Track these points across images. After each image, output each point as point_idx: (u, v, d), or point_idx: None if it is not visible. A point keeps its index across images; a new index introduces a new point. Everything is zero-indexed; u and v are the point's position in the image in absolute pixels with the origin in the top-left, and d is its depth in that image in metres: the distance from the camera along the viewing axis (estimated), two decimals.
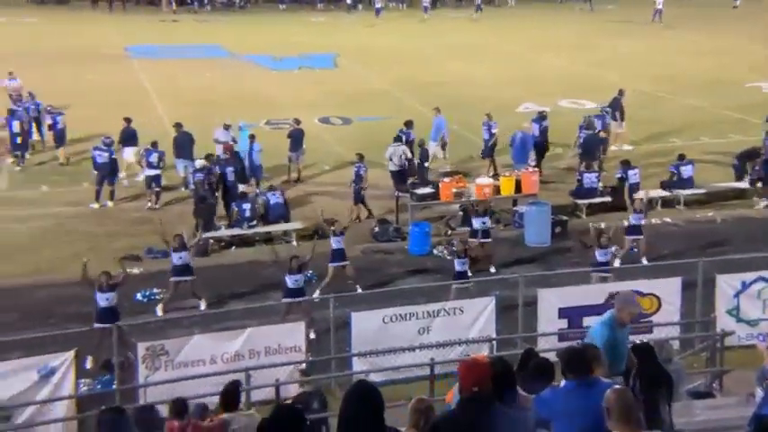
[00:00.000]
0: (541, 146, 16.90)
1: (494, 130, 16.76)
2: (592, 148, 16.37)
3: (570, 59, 28.73)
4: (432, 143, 16.84)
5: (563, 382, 5.11)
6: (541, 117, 17.46)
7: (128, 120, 16.85)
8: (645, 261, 12.75)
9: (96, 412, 5.64)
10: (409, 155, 15.44)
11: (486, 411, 4.19)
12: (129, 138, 16.60)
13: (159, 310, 11.38)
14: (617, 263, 12.54)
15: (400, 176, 15.19)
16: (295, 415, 3.68)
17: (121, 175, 16.21)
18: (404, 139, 15.90)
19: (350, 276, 12.04)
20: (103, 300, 10.03)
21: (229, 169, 14.54)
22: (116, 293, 10.15)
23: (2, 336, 10.16)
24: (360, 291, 11.72)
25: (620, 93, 18.67)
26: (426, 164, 15.67)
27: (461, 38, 33.59)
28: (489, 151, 16.78)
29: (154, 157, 15.11)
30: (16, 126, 17.04)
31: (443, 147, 17.27)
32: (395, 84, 24.93)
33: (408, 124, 16.50)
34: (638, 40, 32.03)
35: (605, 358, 5.43)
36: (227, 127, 16.26)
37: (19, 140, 17.12)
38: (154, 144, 15.45)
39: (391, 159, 15.34)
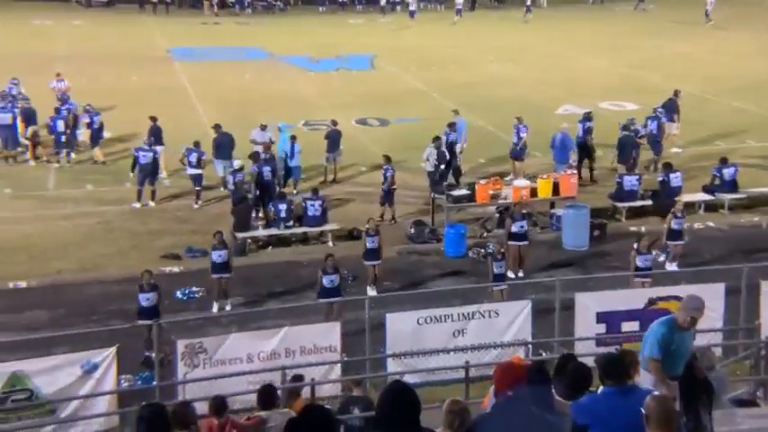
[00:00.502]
0: (584, 146, 16.66)
1: (522, 134, 16.49)
2: (625, 150, 16.05)
3: (611, 61, 28.29)
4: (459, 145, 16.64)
5: (600, 388, 5.06)
6: (586, 118, 17.25)
7: (153, 118, 17.27)
8: (675, 267, 12.48)
9: (137, 408, 5.78)
10: (432, 157, 15.40)
11: (521, 415, 4.17)
12: (155, 136, 17.00)
13: (215, 307, 11.61)
14: (674, 267, 12.31)
15: (430, 177, 15.24)
16: (325, 415, 3.69)
17: (163, 174, 16.61)
18: (444, 140, 15.89)
19: (377, 276, 12.07)
20: (145, 300, 10.27)
21: (266, 169, 14.72)
22: (157, 293, 10.36)
23: (48, 331, 10.50)
24: (374, 293, 11.75)
25: (676, 93, 18.33)
26: (442, 166, 15.53)
27: (500, 39, 33.34)
28: (518, 154, 16.55)
29: (194, 157, 15.39)
30: (61, 125, 17.57)
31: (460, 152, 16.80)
32: (432, 85, 24.89)
33: (452, 126, 16.44)
34: (683, 41, 31.35)
35: (656, 357, 5.35)
36: (263, 127, 16.46)
37: (63, 139, 17.65)
38: (196, 144, 15.74)
39: (428, 160, 15.35)
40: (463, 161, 16.78)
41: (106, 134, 18.94)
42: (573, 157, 16.32)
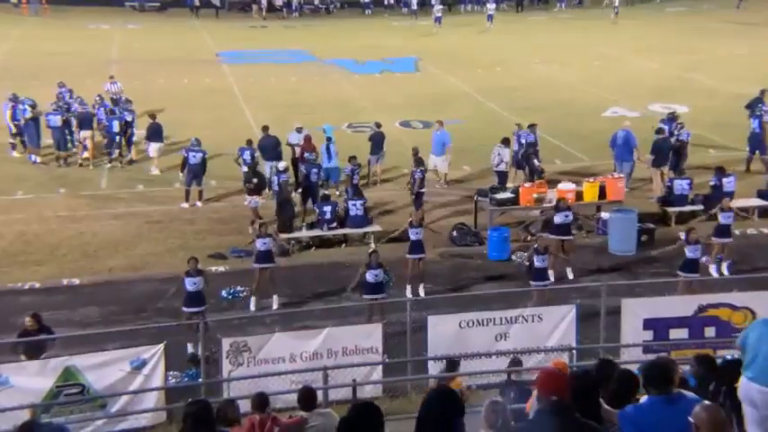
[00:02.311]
0: (676, 148, 16.34)
1: (522, 140, 16.09)
2: (661, 153, 15.65)
3: (664, 62, 27.65)
4: (433, 156, 16.35)
5: (644, 398, 4.96)
6: (671, 118, 16.94)
7: (152, 116, 17.74)
8: (727, 272, 12.12)
9: (183, 404, 5.91)
10: (506, 157, 15.41)
11: (564, 422, 4.13)
12: (154, 133, 17.47)
13: (253, 305, 11.77)
14: (725, 270, 12.00)
15: (501, 177, 15.27)
16: (375, 412, 3.81)
17: (153, 170, 17.18)
18: (524, 141, 15.97)
19: (420, 273, 12.06)
20: (191, 284, 10.55)
21: (314, 170, 14.89)
22: (203, 279, 10.61)
23: (99, 327, 10.84)
24: (423, 292, 11.71)
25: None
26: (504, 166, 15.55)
27: (549, 40, 32.94)
28: (522, 162, 16.18)
29: (248, 155, 15.66)
30: (116, 126, 18.13)
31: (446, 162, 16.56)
32: (477, 87, 24.76)
33: (531, 127, 16.36)
34: (740, 42, 30.40)
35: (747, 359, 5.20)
36: (299, 130, 16.64)
37: (117, 139, 18.19)
38: (248, 142, 16.01)
39: (502, 161, 15.45)
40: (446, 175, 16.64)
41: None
42: (636, 155, 15.93)
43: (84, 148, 18.13)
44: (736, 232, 13.22)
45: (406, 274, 12.07)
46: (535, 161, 15.92)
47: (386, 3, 42.72)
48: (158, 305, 11.72)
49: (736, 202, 14.23)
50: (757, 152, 16.78)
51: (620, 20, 37.72)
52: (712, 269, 12.21)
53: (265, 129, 16.67)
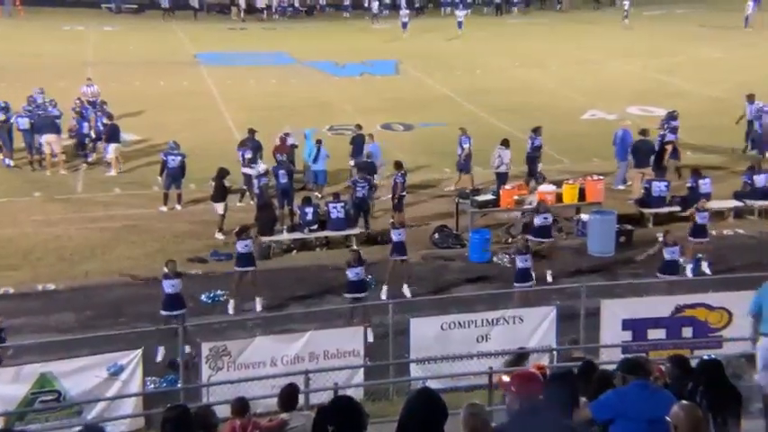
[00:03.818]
0: (658, 149, 16.49)
1: (465, 145, 16.14)
2: (640, 154, 15.81)
3: (642, 66, 27.97)
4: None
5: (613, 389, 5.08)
6: (671, 117, 17.10)
7: (111, 117, 17.73)
8: (708, 271, 12.27)
9: (162, 410, 5.83)
10: (506, 159, 15.49)
11: (541, 423, 4.16)
12: (112, 135, 17.45)
13: (231, 309, 11.66)
14: (688, 273, 12.15)
15: (502, 179, 15.34)
16: (353, 405, 3.87)
17: (112, 172, 17.15)
18: (531, 144, 16.08)
19: (405, 273, 12.05)
20: (170, 287, 10.43)
21: (281, 172, 14.77)
22: (181, 281, 10.50)
23: (75, 333, 10.67)
24: (408, 293, 11.70)
25: None
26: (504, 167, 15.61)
27: (528, 43, 33.19)
28: (463, 165, 16.24)
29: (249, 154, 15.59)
30: (86, 128, 18.00)
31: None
32: (457, 90, 24.85)
33: (536, 130, 16.36)
34: (717, 46, 30.87)
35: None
36: (287, 135, 16.58)
37: (87, 141, 18.10)
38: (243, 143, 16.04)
39: (503, 163, 15.49)
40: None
41: (134, 137, 19.22)
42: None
43: (41, 152, 17.81)
44: (713, 233, 13.40)
45: (386, 276, 12.02)
46: (539, 165, 16.03)
47: (366, 5, 42.72)
48: (137, 309, 11.58)
49: (713, 204, 14.44)
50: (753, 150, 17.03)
51: (600, 24, 38.11)
52: (688, 269, 12.34)
53: (251, 131, 16.57)
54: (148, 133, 20.02)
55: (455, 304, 10.86)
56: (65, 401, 8.86)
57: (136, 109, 21.73)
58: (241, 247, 11.70)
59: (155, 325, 10.46)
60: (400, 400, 6.55)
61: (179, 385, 9.40)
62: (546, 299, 10.90)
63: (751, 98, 17.81)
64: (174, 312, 10.43)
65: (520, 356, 8.38)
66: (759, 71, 26.02)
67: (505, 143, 15.77)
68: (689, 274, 12.32)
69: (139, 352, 9.13)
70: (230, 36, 36.51)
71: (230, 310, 11.65)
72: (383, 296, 11.71)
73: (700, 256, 12.63)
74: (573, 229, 14.39)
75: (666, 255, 11.35)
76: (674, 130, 16.74)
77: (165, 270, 10.55)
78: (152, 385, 9.63)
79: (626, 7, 37.67)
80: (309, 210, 13.92)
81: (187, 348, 9.59)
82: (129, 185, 17.08)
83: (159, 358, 10.12)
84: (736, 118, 18.24)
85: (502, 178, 15.41)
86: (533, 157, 16.22)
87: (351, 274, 10.91)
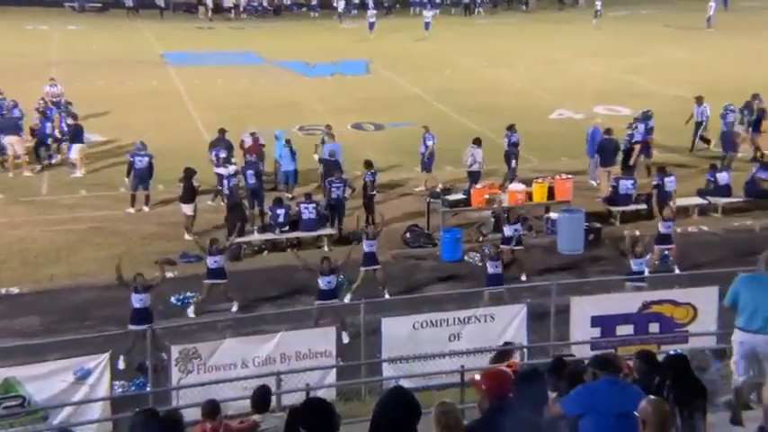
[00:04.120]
0: (646, 144, 16.80)
1: (428, 143, 16.23)
2: (606, 153, 16.06)
3: (608, 66, 28.39)
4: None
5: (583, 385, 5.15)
6: (646, 116, 17.33)
7: (75, 117, 17.53)
8: (677, 270, 12.52)
9: (130, 414, 5.74)
10: (479, 157, 15.59)
11: (513, 420, 4.19)
12: (76, 135, 17.22)
13: (191, 312, 11.54)
14: (647, 271, 12.34)
15: (474, 177, 15.39)
16: (325, 406, 3.92)
17: (77, 173, 16.96)
18: (507, 141, 16.26)
19: (380, 281, 12.07)
20: (138, 301, 10.23)
21: (249, 172, 14.65)
22: (150, 295, 10.33)
23: (41, 337, 10.44)
24: (387, 296, 11.74)
25: (754, 97, 18.46)
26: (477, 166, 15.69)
27: (497, 44, 33.44)
28: (426, 165, 16.34)
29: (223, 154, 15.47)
30: (49, 128, 17.69)
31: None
32: (427, 90, 24.94)
33: (511, 128, 16.53)
34: (681, 47, 31.47)
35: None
36: (253, 134, 16.49)
37: (49, 141, 17.79)
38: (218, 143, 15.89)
39: (476, 161, 15.56)
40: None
41: (99, 138, 18.90)
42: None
43: (3, 154, 17.48)
44: (678, 230, 13.65)
45: (359, 285, 11.95)
46: (513, 162, 16.16)
47: (333, 4, 42.60)
48: (103, 313, 11.38)
49: (677, 201, 14.72)
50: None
51: (567, 25, 38.56)
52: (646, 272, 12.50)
53: (221, 131, 16.39)
54: (115, 134, 19.69)
55: (427, 303, 10.88)
56: (29, 407, 8.68)
57: (101, 109, 21.37)
58: (211, 262, 11.57)
59: (122, 328, 10.29)
60: (373, 400, 6.52)
61: (148, 389, 9.26)
62: (517, 297, 10.99)
63: (699, 100, 18.19)
64: (142, 327, 10.17)
65: (503, 353, 8.39)
66: (722, 71, 26.66)
67: (477, 142, 15.88)
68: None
69: (107, 355, 8.98)
70: (198, 35, 36.13)
71: (190, 314, 11.50)
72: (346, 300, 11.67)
73: (666, 254, 12.84)
74: (543, 228, 14.54)
75: (634, 266, 11.44)
76: (649, 130, 17.02)
77: (135, 282, 10.32)
78: (120, 389, 9.48)
79: (598, 7, 38.11)
80: (281, 211, 13.83)
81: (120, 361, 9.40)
82: (95, 187, 16.78)
83: (121, 366, 9.91)
84: (686, 118, 18.59)
85: (474, 177, 15.49)
86: (510, 154, 16.38)
87: (322, 282, 10.86)
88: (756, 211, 15.26)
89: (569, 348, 9.80)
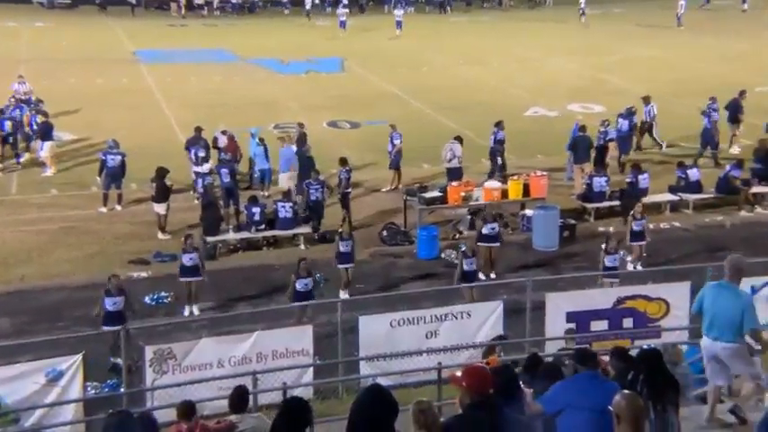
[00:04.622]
0: (628, 140, 16.96)
1: (395, 141, 16.31)
2: (579, 150, 16.25)
3: (582, 64, 28.66)
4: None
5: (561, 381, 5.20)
6: (630, 112, 17.47)
7: (46, 115, 17.38)
8: (639, 266, 12.71)
9: (104, 416, 5.66)
10: (458, 152, 15.62)
11: (491, 417, 4.21)
12: (46, 133, 17.00)
13: (187, 311, 11.46)
14: (639, 267, 12.52)
15: (453, 174, 15.38)
16: (303, 405, 4.05)
17: (48, 172, 16.69)
18: (494, 138, 16.41)
19: (347, 279, 12.07)
20: (111, 304, 10.08)
21: (224, 171, 14.52)
22: (124, 298, 10.19)
23: (11, 339, 10.24)
24: (346, 296, 11.70)
25: (740, 94, 18.65)
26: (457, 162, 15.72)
27: (471, 41, 33.57)
28: (394, 163, 16.37)
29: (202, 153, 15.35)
30: (8, 126, 17.34)
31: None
32: (403, 88, 24.95)
33: (498, 124, 16.65)
34: (652, 45, 31.89)
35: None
36: (224, 132, 16.36)
37: (11, 140, 17.46)
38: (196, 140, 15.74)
39: (455, 156, 15.56)
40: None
41: (70, 136, 18.58)
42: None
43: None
44: (651, 226, 13.84)
45: (339, 283, 11.95)
46: (499, 159, 16.26)
47: (305, 2, 42.25)
48: (76, 313, 11.20)
49: (650, 198, 14.93)
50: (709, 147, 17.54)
51: (543, 23, 38.83)
52: (630, 266, 12.70)
53: (198, 129, 16.22)
54: (86, 132, 19.39)
55: (404, 301, 10.90)
56: (0, 409, 8.50)
57: (72, 107, 21.02)
58: (186, 260, 11.48)
59: (94, 329, 10.13)
60: (350, 399, 6.53)
61: (122, 390, 9.14)
62: (493, 293, 11.05)
63: (646, 100, 18.43)
64: (116, 327, 10.02)
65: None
66: (692, 69, 27.11)
67: (458, 139, 15.93)
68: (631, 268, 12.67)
69: (80, 357, 8.84)
70: (170, 33, 35.69)
71: (186, 312, 11.45)
72: (343, 296, 11.63)
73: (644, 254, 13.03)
74: (518, 225, 14.65)
75: (607, 262, 11.59)
76: (633, 127, 17.26)
77: (108, 286, 10.15)
78: (93, 391, 9.34)
79: (582, 4, 38.46)
80: (256, 209, 13.74)
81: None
82: (67, 186, 16.51)
83: (113, 361, 9.77)
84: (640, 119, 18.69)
85: (454, 173, 15.48)
86: (496, 151, 16.47)
87: (299, 284, 10.82)
88: (726, 207, 15.54)
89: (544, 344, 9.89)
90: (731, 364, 6.45)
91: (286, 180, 15.52)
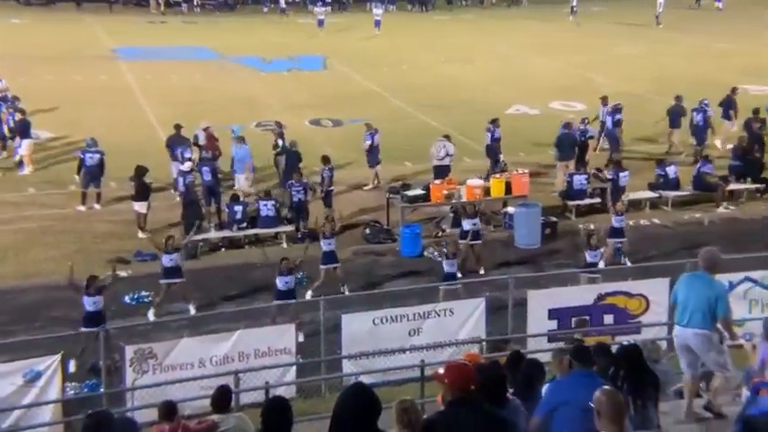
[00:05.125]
0: (613, 136, 17.11)
1: (367, 141, 16.24)
2: (563, 147, 16.36)
3: (563, 62, 28.84)
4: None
5: (557, 377, 5.21)
6: (615, 110, 17.59)
7: (23, 111, 17.18)
8: (628, 262, 12.82)
9: (83, 416, 5.59)
10: (451, 151, 15.66)
11: (474, 413, 4.22)
12: (24, 130, 16.83)
13: (151, 315, 11.27)
14: (601, 264, 12.61)
15: (442, 171, 15.36)
16: (284, 404, 4.14)
17: (25, 170, 16.54)
18: (490, 136, 16.48)
19: (339, 279, 12.03)
20: (90, 304, 9.95)
21: (205, 169, 14.40)
22: (103, 297, 10.07)
23: None
24: (347, 293, 11.70)
25: (733, 90, 18.78)
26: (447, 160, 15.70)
27: (453, 39, 33.62)
28: (371, 161, 16.36)
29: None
30: None
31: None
32: (385, 86, 24.93)
33: (495, 122, 16.72)
34: (633, 43, 32.17)
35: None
36: (205, 129, 16.23)
37: None
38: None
39: (448, 154, 15.55)
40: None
41: (48, 134, 18.35)
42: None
43: None
44: (630, 223, 13.97)
45: (321, 283, 11.87)
46: (500, 156, 16.34)
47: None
48: (54, 314, 11.05)
49: (629, 195, 15.06)
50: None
51: (525, 21, 38.98)
52: (601, 264, 12.77)
53: (177, 127, 16.06)
54: (64, 130, 19.14)
55: (387, 299, 10.89)
56: None
57: (49, 105, 20.74)
58: (167, 261, 11.35)
59: (73, 329, 10.01)
60: (333, 397, 6.50)
61: (101, 390, 9.04)
62: (475, 291, 11.08)
63: (604, 100, 18.58)
64: (95, 329, 9.89)
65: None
66: (671, 67, 27.38)
67: (447, 137, 15.93)
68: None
69: (58, 357, 8.74)
70: (150, 30, 35.34)
71: (150, 317, 11.23)
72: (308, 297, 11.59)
73: (619, 246, 13.12)
74: (500, 222, 14.70)
75: (588, 257, 11.69)
76: (617, 122, 17.37)
77: (88, 285, 10.01)
78: (72, 391, 9.22)
79: (573, 3, 38.56)
80: (238, 208, 13.66)
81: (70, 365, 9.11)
82: (45, 185, 16.29)
83: (72, 369, 9.61)
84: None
85: (443, 171, 15.45)
86: (494, 148, 16.51)
87: (280, 282, 10.75)
88: (703, 203, 15.73)
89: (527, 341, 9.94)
90: (701, 352, 6.52)
91: (243, 181, 15.25)
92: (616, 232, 13.02)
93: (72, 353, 9.51)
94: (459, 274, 11.73)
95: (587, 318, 10.22)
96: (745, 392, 6.29)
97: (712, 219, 15.18)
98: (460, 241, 12.51)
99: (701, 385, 7.06)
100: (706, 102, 18.31)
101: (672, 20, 37.03)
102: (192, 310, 11.39)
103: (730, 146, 17.48)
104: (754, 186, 16.17)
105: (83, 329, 9.89)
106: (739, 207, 15.72)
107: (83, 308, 9.99)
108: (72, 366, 9.59)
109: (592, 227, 13.06)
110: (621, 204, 13.30)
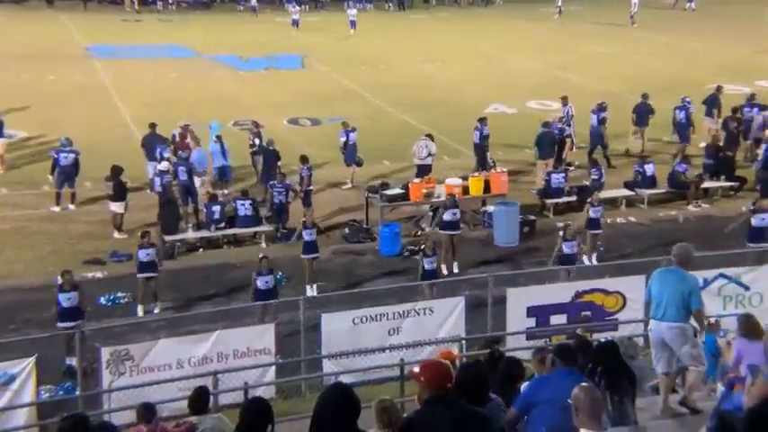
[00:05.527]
0: (599, 135, 17.25)
1: (342, 139, 16.28)
2: (544, 146, 16.49)
3: (540, 61, 29.03)
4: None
5: (539, 375, 5.24)
6: (600, 108, 17.71)
7: None
8: (594, 260, 12.96)
9: (58, 420, 5.50)
10: (433, 150, 15.67)
11: (452, 411, 4.22)
12: None
13: (140, 311, 11.23)
14: (594, 261, 12.74)
15: (423, 170, 15.35)
16: (264, 405, 4.15)
17: None
18: (478, 134, 16.45)
19: (312, 271, 11.98)
20: (65, 300, 9.83)
21: (181, 168, 14.27)
22: (78, 293, 9.94)
23: None
24: (315, 292, 11.65)
25: (718, 89, 18.91)
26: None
27: (431, 38, 33.69)
28: (349, 159, 16.38)
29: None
30: None
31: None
32: (363, 85, 24.90)
33: (482, 120, 16.74)
34: (610, 43, 32.50)
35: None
36: (185, 126, 16.11)
37: None
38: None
39: (430, 154, 15.54)
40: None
41: (21, 134, 18.04)
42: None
43: None
44: (607, 221, 14.12)
45: (305, 275, 11.88)
46: (488, 155, 16.35)
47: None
48: (28, 315, 10.87)
49: (605, 193, 15.21)
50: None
51: (501, 20, 39.21)
52: (584, 258, 12.94)
53: (152, 126, 15.87)
54: (38, 130, 18.84)
55: (366, 298, 10.88)
56: None
57: (22, 104, 20.39)
58: (143, 255, 11.26)
59: (47, 331, 9.85)
60: (313, 397, 6.49)
61: (77, 393, 8.91)
62: (455, 289, 11.11)
63: (564, 100, 18.72)
64: (71, 324, 9.79)
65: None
66: (646, 67, 27.70)
67: (429, 136, 15.95)
68: (586, 262, 12.89)
69: (32, 360, 8.59)
70: (124, 28, 34.89)
71: (140, 313, 11.19)
72: (310, 292, 11.53)
73: (599, 243, 13.27)
74: (479, 221, 14.76)
75: (565, 248, 11.83)
76: (602, 120, 17.52)
77: (60, 281, 9.88)
78: (47, 394, 9.08)
79: (559, 3, 38.83)
80: (216, 207, 13.56)
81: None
82: (17, 185, 16.03)
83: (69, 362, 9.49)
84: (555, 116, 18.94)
85: (426, 170, 15.46)
86: (482, 147, 16.56)
87: (260, 282, 10.70)
88: (678, 201, 15.94)
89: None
90: (676, 345, 6.59)
91: (200, 185, 14.92)
92: (593, 223, 13.15)
93: (56, 354, 9.35)
94: (445, 270, 11.77)
95: (589, 313, 10.29)
96: (720, 388, 6.38)
97: (687, 216, 15.39)
98: (440, 231, 12.52)
99: (676, 381, 7.16)
100: (688, 99, 18.50)
101: (646, 19, 37.46)
102: (157, 311, 11.30)
103: (703, 144, 17.79)
104: (728, 184, 16.42)
105: (58, 324, 9.77)
106: (714, 205, 15.96)
107: (57, 305, 9.84)
108: (76, 365, 9.25)
109: (570, 223, 13.17)
110: (596, 196, 13.49)
